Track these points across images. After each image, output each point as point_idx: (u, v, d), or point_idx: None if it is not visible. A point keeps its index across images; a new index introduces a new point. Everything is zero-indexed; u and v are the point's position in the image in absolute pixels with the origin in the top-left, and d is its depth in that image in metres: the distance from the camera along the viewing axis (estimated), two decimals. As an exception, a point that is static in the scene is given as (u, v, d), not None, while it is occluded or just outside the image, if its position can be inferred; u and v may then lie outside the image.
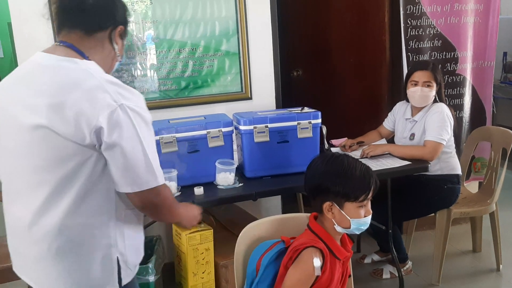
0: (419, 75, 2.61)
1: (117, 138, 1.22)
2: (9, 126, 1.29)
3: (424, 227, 3.36)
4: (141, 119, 1.27)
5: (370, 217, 1.55)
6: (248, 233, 1.68)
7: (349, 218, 1.51)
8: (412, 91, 2.62)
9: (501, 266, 2.91)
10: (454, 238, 3.13)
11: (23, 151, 1.27)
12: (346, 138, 2.86)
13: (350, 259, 1.65)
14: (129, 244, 1.37)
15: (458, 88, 3.24)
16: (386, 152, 2.56)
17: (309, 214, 1.66)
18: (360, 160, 1.62)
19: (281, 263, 1.53)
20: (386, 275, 2.85)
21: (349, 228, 1.53)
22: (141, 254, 1.46)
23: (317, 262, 1.45)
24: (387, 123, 2.88)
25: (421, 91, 2.59)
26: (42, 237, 1.28)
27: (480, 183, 3.41)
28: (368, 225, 1.56)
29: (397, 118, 2.81)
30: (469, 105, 3.30)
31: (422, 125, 2.60)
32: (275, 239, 1.64)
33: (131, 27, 2.64)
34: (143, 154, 1.27)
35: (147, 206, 1.34)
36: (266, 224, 1.72)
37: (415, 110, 2.69)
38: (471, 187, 3.31)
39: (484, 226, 3.07)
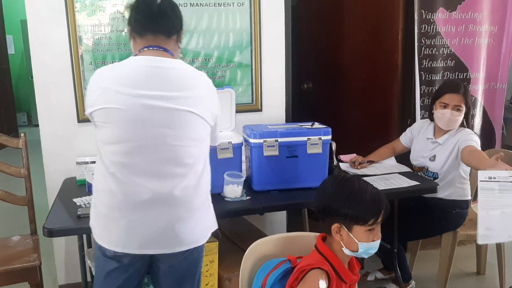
0: (450, 98, 2.50)
1: (219, 115, 1.71)
2: (154, 111, 1.52)
3: (429, 246, 3.35)
4: None
5: (378, 241, 1.54)
6: (255, 250, 1.67)
7: (357, 242, 1.51)
8: (441, 113, 2.53)
9: (504, 290, 2.89)
10: (458, 259, 3.11)
11: (171, 129, 1.54)
12: (355, 154, 2.86)
13: (356, 281, 1.64)
14: None
15: (469, 109, 3.23)
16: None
17: (317, 234, 1.66)
18: (370, 183, 1.61)
19: (286, 283, 1.52)
20: (389, 294, 2.84)
21: (357, 251, 1.52)
22: None
23: (322, 284, 1.44)
24: (404, 139, 2.82)
25: (450, 114, 2.50)
26: (186, 198, 1.59)
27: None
28: (376, 250, 1.55)
29: (416, 136, 2.76)
30: (480, 126, 3.29)
31: (448, 150, 2.55)
32: (281, 258, 1.63)
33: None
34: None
35: None
36: (273, 241, 1.71)
37: (439, 132, 2.62)
38: (476, 209, 3.28)
39: (489, 249, 3.06)
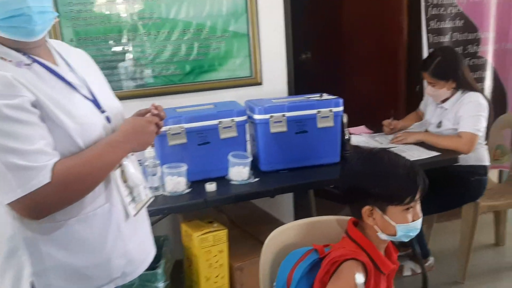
0: (424, 75, 2.48)
1: None
2: None
3: (442, 218, 3.18)
4: None
5: (420, 221, 1.33)
6: (275, 240, 1.48)
7: (394, 224, 1.31)
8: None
9: (526, 261, 2.76)
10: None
11: None
12: (363, 126, 2.68)
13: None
14: (52, 265, 1.15)
15: (479, 72, 3.06)
16: (420, 141, 2.43)
17: (339, 217, 1.46)
18: (401, 155, 1.41)
19: (315, 277, 1.32)
20: (407, 273, 2.67)
21: (395, 235, 1.32)
22: (82, 277, 1.19)
23: (359, 278, 1.24)
24: (422, 106, 2.74)
25: (428, 89, 2.48)
26: None
27: (500, 172, 3.25)
28: (418, 231, 1.35)
29: (429, 101, 2.63)
30: (490, 89, 3.12)
31: (453, 115, 2.43)
32: (305, 247, 1.43)
33: (126, 6, 2.39)
34: None
35: (43, 210, 1.07)
36: (294, 229, 1.52)
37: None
38: (491, 175, 3.13)
39: (509, 218, 2.91)
